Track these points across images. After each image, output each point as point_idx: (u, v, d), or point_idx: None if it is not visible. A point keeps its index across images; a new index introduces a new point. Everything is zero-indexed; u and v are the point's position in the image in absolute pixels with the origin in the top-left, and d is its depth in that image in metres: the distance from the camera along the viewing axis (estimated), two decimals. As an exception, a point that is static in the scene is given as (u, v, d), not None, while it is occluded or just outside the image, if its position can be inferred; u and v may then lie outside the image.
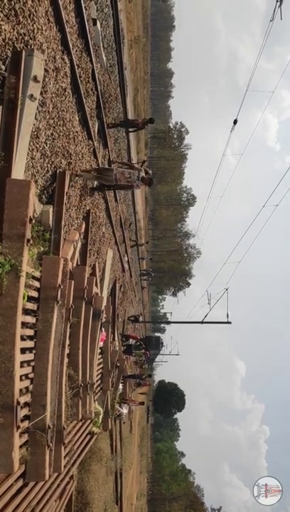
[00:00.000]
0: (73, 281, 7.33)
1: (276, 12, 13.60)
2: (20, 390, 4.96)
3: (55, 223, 6.85)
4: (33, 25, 5.60)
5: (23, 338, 5.14)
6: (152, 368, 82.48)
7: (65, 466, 6.70)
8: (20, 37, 5.29)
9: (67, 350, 6.98)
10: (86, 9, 8.80)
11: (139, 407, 28.71)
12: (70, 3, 7.67)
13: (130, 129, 15.39)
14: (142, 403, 26.65)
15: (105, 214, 12.57)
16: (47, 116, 6.47)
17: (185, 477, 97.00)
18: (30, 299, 5.37)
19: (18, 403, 4.46)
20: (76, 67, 7.78)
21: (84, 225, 9.43)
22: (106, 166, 9.95)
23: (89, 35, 8.79)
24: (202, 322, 28.26)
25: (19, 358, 4.60)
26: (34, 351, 5.52)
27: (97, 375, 10.90)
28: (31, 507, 5.49)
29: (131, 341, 21.90)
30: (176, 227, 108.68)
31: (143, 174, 9.15)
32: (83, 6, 8.26)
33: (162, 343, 54.29)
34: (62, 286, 6.01)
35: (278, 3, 13.80)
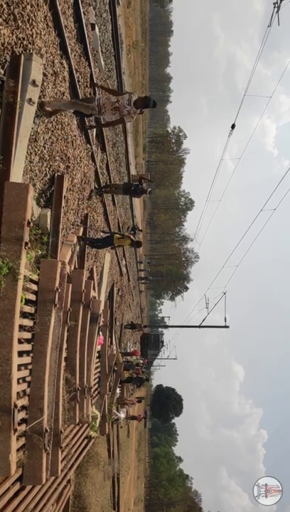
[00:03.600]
0: (71, 285, 7.33)
1: (273, 18, 13.70)
2: (18, 393, 4.96)
3: (53, 227, 6.86)
4: (31, 30, 5.64)
5: (20, 341, 5.14)
6: (150, 373, 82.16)
7: (62, 470, 6.69)
8: (19, 41, 5.32)
9: (64, 354, 6.97)
10: (84, 14, 8.86)
11: (138, 404, 28.58)
12: (68, 8, 7.72)
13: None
14: (140, 400, 26.39)
15: (103, 218, 12.59)
16: (46, 120, 6.50)
17: (182, 482, 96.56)
18: (27, 302, 5.37)
19: (16, 406, 4.46)
20: (74, 71, 7.82)
21: (82, 229, 9.44)
22: (87, 98, 7.73)
23: (87, 40, 8.84)
24: (200, 326, 28.28)
25: (16, 360, 4.60)
26: (31, 354, 5.52)
27: (95, 378, 10.88)
28: (28, 510, 5.47)
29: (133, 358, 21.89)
30: (174, 231, 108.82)
31: (135, 97, 6.93)
32: (82, 11, 8.31)
33: (162, 342, 50.19)
34: (59, 290, 6.01)
35: (276, 9, 13.91)
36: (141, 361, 30.11)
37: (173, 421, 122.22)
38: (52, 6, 6.40)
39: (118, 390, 16.61)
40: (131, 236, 10.70)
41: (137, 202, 40.02)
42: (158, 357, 58.32)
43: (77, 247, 9.17)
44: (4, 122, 4.96)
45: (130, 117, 7.07)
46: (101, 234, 11.36)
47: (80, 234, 9.22)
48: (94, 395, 10.74)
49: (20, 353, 5.10)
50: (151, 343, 46.98)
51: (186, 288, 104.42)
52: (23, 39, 5.41)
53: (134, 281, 36.10)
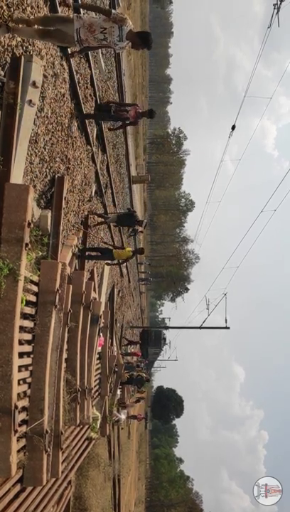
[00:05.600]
0: (71, 286, 7.33)
1: (273, 19, 13.73)
2: (18, 394, 4.95)
3: (54, 228, 6.87)
4: (32, 32, 5.64)
5: (20, 343, 5.14)
6: (151, 374, 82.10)
7: (62, 472, 6.68)
8: (20, 43, 5.33)
9: (65, 355, 6.97)
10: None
11: (138, 404, 28.46)
12: (68, 9, 7.73)
13: (113, 124, 10.47)
14: (138, 400, 26.27)
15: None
16: (46, 122, 6.51)
17: (183, 483, 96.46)
18: (28, 303, 5.37)
19: (16, 407, 4.46)
20: (75, 73, 7.83)
21: (82, 230, 9.45)
22: (63, 15, 6.13)
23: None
24: (200, 327, 28.26)
25: (17, 362, 4.60)
26: (32, 356, 5.51)
27: (95, 380, 10.88)
28: (29, 512, 5.46)
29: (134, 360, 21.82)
30: (175, 233, 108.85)
31: (130, 27, 5.17)
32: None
33: (164, 339, 46.36)
34: (60, 291, 6.01)
35: (276, 10, 13.94)
36: (142, 364, 29.92)
37: (173, 422, 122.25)
38: (52, 7, 6.41)
39: (119, 391, 16.59)
40: (129, 248, 10.62)
41: (138, 203, 40.04)
42: (160, 356, 55.71)
43: (77, 248, 9.17)
44: (4, 124, 4.96)
45: (121, 50, 5.81)
46: (102, 244, 11.22)
47: (79, 241, 9.15)
48: (94, 396, 10.73)
49: (21, 355, 5.10)
50: (152, 341, 43.73)
51: (187, 289, 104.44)
52: (24, 41, 5.41)
53: (135, 283, 36.11)
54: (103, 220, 10.91)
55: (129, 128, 18.30)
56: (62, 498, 7.40)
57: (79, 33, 5.11)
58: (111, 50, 13.44)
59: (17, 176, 5.25)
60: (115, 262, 11.06)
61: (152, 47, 5.52)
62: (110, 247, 10.68)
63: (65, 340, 6.86)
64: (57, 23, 5.18)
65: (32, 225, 5.28)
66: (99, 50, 10.61)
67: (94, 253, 10.33)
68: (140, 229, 11.91)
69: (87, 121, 9.01)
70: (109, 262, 11.53)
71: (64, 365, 6.82)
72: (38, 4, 5.85)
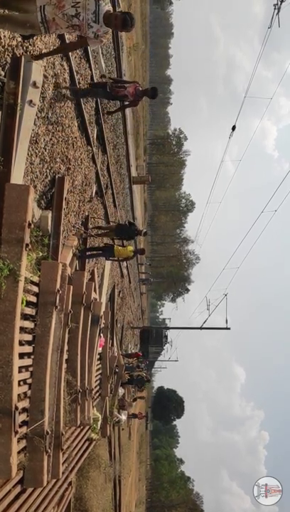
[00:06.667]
0: (72, 287, 7.32)
1: (274, 19, 13.75)
2: (19, 395, 4.94)
3: (54, 228, 6.86)
4: (32, 32, 5.63)
5: (21, 343, 5.12)
6: (151, 374, 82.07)
7: (63, 473, 6.66)
8: (20, 43, 5.33)
9: (65, 356, 6.95)
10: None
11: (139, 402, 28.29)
12: (69, 10, 7.73)
13: (108, 102, 9.53)
14: (136, 398, 26.13)
15: (104, 219, 12.58)
16: (46, 122, 6.51)
17: (184, 484, 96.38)
18: (28, 303, 5.36)
19: (16, 408, 4.44)
20: (75, 73, 7.83)
21: (82, 231, 9.44)
22: None
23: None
24: (201, 328, 28.28)
25: (17, 362, 4.59)
26: (32, 356, 5.50)
27: (96, 380, 10.86)
28: (29, 514, 5.45)
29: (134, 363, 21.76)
30: (175, 233, 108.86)
31: (108, 7, 4.35)
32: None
33: (166, 337, 44.26)
34: (60, 292, 6.00)
35: (276, 11, 13.96)
36: (143, 364, 29.80)
37: (174, 423, 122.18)
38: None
39: (120, 391, 16.58)
40: (131, 248, 10.58)
41: (138, 204, 40.04)
42: (161, 356, 54.18)
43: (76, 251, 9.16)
44: (5, 124, 4.96)
45: (98, 42, 4.58)
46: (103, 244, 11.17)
47: (80, 243, 9.12)
48: (95, 397, 10.72)
49: (21, 355, 5.09)
50: (153, 339, 42.01)
51: (187, 290, 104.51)
52: (24, 41, 5.41)
53: (135, 283, 36.10)
54: (103, 231, 10.63)
55: (129, 128, 18.28)
56: (62, 499, 7.38)
57: (43, 11, 4.12)
58: (111, 51, 13.52)
59: (17, 176, 5.24)
60: (115, 258, 10.98)
61: (133, 25, 4.51)
62: (111, 244, 10.65)
63: (66, 341, 6.84)
64: (15, 1, 4.19)
65: (32, 226, 5.27)
66: (100, 50, 10.62)
67: (95, 252, 10.31)
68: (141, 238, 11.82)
69: (88, 122, 8.99)
70: (110, 258, 11.43)
71: (64, 365, 6.80)
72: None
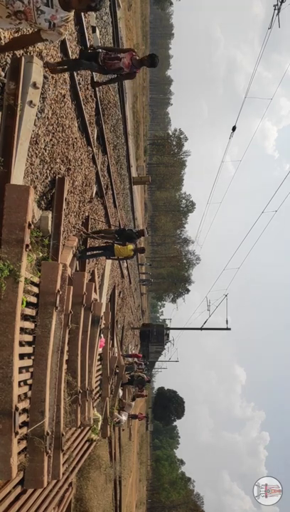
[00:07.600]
0: (72, 287, 7.32)
1: (274, 20, 13.74)
2: (19, 396, 4.94)
3: (54, 229, 6.85)
4: (32, 33, 5.63)
5: (21, 344, 5.12)
6: (151, 375, 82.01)
7: (63, 473, 6.65)
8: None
9: (65, 357, 6.95)
10: (85, 17, 8.87)
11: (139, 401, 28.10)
12: None
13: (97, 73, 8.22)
14: (135, 398, 26.00)
15: (104, 220, 12.58)
16: (47, 123, 6.50)
17: (184, 485, 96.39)
18: (28, 304, 5.36)
19: (17, 409, 4.44)
20: (75, 74, 7.83)
21: (83, 231, 9.43)
22: None
23: (88, 43, 8.85)
24: (201, 328, 28.25)
25: (17, 363, 4.58)
26: (32, 357, 5.50)
27: (96, 381, 10.86)
28: (29, 514, 5.44)
29: (134, 362, 21.68)
30: (175, 234, 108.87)
31: None
32: (82, 13, 8.32)
33: (167, 336, 42.87)
34: (61, 292, 6.00)
35: (277, 11, 13.95)
36: (143, 365, 29.66)
37: (174, 424, 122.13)
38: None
39: (120, 391, 16.56)
40: (131, 246, 10.54)
41: (138, 204, 40.02)
42: (162, 355, 53.35)
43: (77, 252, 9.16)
44: (5, 125, 4.95)
45: (55, 34, 3.32)
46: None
47: (80, 244, 9.10)
48: (95, 398, 10.71)
49: (22, 356, 5.08)
50: (154, 337, 40.58)
51: (187, 290, 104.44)
52: (24, 41, 5.41)
53: (135, 284, 36.07)
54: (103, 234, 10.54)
55: (129, 128, 18.25)
56: (63, 500, 7.38)
57: None
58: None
59: (17, 176, 5.24)
60: (116, 257, 10.96)
61: (102, 6, 3.50)
62: (111, 242, 10.61)
63: (66, 341, 6.84)
64: None
65: (32, 226, 5.27)
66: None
67: (95, 252, 10.30)
68: (141, 239, 11.68)
69: (88, 123, 8.98)
70: (111, 257, 11.37)
71: (65, 366, 6.80)
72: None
